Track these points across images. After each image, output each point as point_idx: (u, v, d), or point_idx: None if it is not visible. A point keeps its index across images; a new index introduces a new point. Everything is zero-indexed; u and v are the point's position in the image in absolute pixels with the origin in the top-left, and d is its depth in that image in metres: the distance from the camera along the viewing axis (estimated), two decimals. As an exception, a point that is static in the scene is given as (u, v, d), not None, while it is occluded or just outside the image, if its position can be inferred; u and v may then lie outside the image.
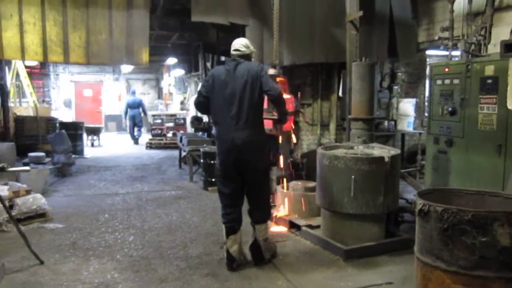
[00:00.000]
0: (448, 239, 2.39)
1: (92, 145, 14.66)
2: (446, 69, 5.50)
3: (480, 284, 2.33)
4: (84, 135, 13.30)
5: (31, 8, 6.10)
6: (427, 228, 2.52)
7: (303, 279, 3.91)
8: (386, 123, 8.81)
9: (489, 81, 4.87)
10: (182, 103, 17.63)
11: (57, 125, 12.20)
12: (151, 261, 4.35)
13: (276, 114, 4.56)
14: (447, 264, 2.41)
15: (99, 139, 15.04)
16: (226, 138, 4.07)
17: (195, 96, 4.27)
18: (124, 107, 16.38)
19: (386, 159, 4.34)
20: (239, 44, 4.23)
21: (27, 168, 4.59)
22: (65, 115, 17.95)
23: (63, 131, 10.07)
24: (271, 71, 5.41)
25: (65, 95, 19.98)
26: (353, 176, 4.29)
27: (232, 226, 4.18)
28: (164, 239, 5.03)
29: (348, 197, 4.35)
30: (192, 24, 9.37)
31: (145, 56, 6.53)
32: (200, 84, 14.76)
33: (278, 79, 5.44)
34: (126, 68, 18.21)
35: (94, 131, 14.97)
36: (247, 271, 4.09)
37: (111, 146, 14.74)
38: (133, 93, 16.89)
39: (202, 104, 4.27)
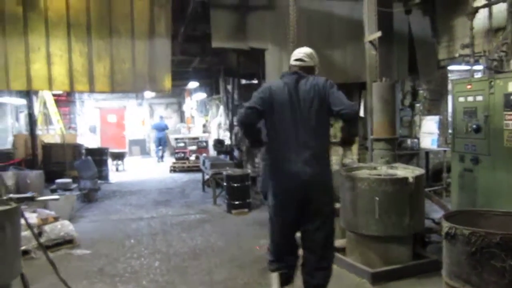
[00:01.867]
0: (477, 263, 2.35)
1: (117, 169, 14.89)
2: (469, 86, 5.44)
3: (512, 309, 2.27)
4: (109, 160, 13.55)
5: (58, 40, 6.33)
6: (455, 252, 2.48)
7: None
8: (409, 141, 8.72)
9: (513, 97, 4.81)
10: (204, 126, 17.83)
11: (83, 151, 12.47)
12: (176, 287, 4.37)
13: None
14: (476, 288, 2.36)
15: (123, 164, 15.28)
16: (288, 171, 3.24)
17: (242, 110, 3.34)
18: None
19: (411, 180, 4.29)
20: (303, 53, 3.54)
21: (56, 197, 4.70)
22: (91, 141, 18.36)
23: (89, 157, 10.29)
24: None
25: (90, 121, 20.46)
26: (377, 198, 4.25)
27: (288, 274, 3.40)
28: (189, 264, 5.05)
29: (373, 218, 4.30)
30: (212, 48, 9.55)
31: (167, 83, 6.67)
32: (220, 107, 14.98)
33: None
34: (149, 93, 18.59)
35: (119, 156, 15.24)
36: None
37: (135, 171, 14.95)
38: (161, 118, 19.18)
39: (251, 119, 3.29)
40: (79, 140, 15.03)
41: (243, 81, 11.45)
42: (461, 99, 5.56)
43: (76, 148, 12.54)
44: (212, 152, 14.73)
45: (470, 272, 2.38)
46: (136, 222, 7.24)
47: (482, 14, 6.42)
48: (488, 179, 4.99)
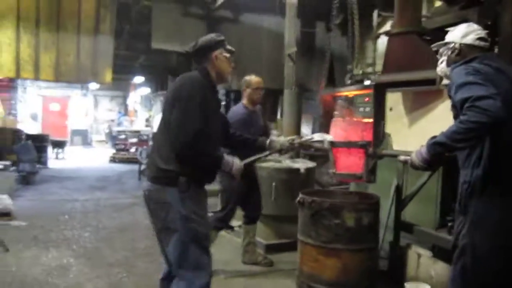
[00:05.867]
0: (314, 222, 3.33)
1: (57, 157, 15.17)
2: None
3: (335, 254, 3.27)
4: (50, 148, 13.85)
5: (7, 30, 6.89)
6: (303, 215, 3.46)
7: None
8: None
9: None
10: (147, 120, 18.38)
11: (23, 136, 12.73)
12: (102, 251, 5.13)
13: None
14: (313, 240, 3.34)
15: (63, 152, 15.57)
16: None
17: (489, 101, 2.13)
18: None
19: (302, 170, 5.30)
20: (483, 31, 2.60)
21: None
22: (31, 128, 18.37)
23: (29, 141, 10.68)
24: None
25: (32, 108, 20.41)
26: (274, 183, 5.21)
27: None
28: (116, 235, 5.81)
29: (270, 201, 5.25)
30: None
31: (108, 76, 7.39)
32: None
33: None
34: (94, 84, 18.90)
35: (59, 144, 15.51)
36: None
37: (75, 159, 15.29)
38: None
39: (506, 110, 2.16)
40: (20, 127, 15.17)
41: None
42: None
43: (16, 133, 12.75)
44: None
45: (310, 228, 3.36)
46: (71, 202, 7.86)
47: (384, 39, 7.63)
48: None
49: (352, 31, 7.14)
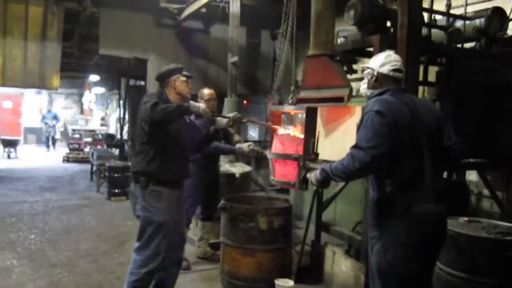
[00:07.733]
0: (233, 225, 3.74)
1: (9, 157, 15.01)
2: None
3: (250, 253, 3.70)
4: (0, 147, 13.70)
5: (-48, 35, 6.97)
6: (224, 219, 3.87)
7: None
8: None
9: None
10: (102, 119, 18.36)
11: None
12: (46, 253, 5.38)
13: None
14: (232, 241, 3.76)
15: (16, 151, 15.40)
16: (423, 213, 2.55)
17: (364, 153, 2.44)
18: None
19: (237, 175, 5.72)
20: (400, 62, 2.77)
21: None
22: (-18, 126, 18.03)
23: (-23, 142, 10.64)
24: None
25: (-18, 106, 19.97)
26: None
27: None
28: (61, 237, 6.04)
29: (208, 203, 5.64)
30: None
31: (55, 82, 7.58)
32: (121, 102, 15.60)
33: None
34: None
35: (11, 143, 15.32)
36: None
37: (28, 159, 15.16)
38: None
39: (377, 167, 2.55)
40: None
41: (131, 82, 12.23)
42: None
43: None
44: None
45: (230, 231, 3.78)
46: (20, 204, 7.99)
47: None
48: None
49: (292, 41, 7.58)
